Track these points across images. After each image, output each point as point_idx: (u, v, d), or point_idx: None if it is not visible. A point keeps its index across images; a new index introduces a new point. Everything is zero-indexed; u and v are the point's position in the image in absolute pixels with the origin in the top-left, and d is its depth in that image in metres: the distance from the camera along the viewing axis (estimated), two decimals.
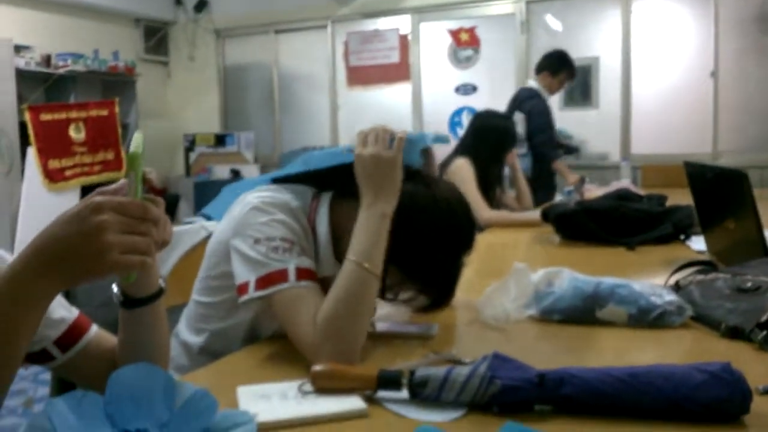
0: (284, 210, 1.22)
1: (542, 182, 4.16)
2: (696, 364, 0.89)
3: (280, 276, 1.13)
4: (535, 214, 2.86)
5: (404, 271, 1.21)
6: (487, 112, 3.42)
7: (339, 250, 1.25)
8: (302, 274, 1.14)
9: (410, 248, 1.20)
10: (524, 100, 4.41)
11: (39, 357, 1.00)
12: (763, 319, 1.18)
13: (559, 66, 4.48)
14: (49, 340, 0.99)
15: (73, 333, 1.01)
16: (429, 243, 1.21)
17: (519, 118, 4.24)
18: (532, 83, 4.60)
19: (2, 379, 0.75)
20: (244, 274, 1.16)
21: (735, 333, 1.21)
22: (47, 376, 1.07)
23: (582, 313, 1.35)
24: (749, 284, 1.30)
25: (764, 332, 1.16)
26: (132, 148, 0.83)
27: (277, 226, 1.18)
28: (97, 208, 0.75)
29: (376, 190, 1.15)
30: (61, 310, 1.00)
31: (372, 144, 1.17)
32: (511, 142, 3.33)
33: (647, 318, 1.30)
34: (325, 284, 1.17)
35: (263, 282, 1.14)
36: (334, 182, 1.31)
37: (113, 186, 0.82)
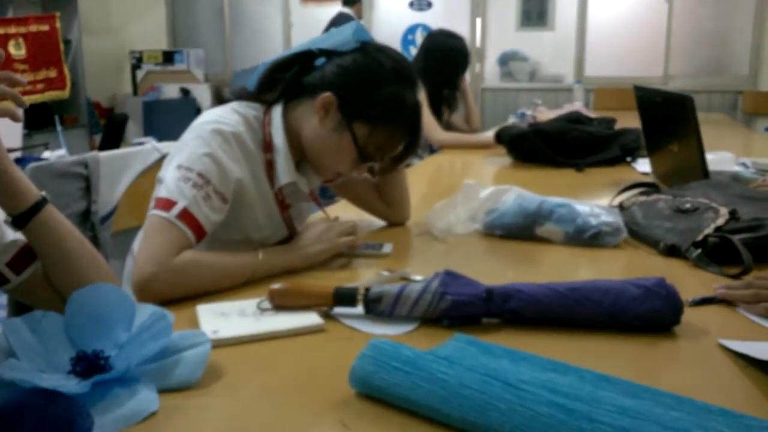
0: (228, 141, 1.22)
1: None
2: (632, 279, 0.95)
3: (166, 204, 1.14)
4: (488, 135, 2.90)
5: (368, 119, 1.25)
6: (440, 31, 3.36)
7: (297, 157, 1.29)
8: (185, 216, 1.14)
9: (364, 95, 1.25)
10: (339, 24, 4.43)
11: None
12: (699, 238, 1.25)
13: None
14: (1, 263, 0.99)
15: (26, 255, 1.00)
16: (377, 81, 1.26)
17: None
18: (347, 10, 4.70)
19: None
20: (155, 190, 1.20)
21: (672, 251, 1.28)
22: (3, 299, 1.07)
23: (522, 229, 1.41)
24: (688, 205, 1.36)
25: (699, 250, 1.23)
26: None
27: (204, 161, 1.18)
28: None
29: (310, 259, 1.25)
30: (12, 234, 1.00)
31: (324, 241, 1.26)
32: (465, 64, 3.31)
33: (582, 237, 1.36)
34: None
35: (155, 202, 1.17)
36: (274, 91, 1.32)
37: None
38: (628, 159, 2.43)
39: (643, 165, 2.28)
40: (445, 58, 3.19)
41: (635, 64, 6.04)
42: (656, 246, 1.32)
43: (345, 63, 1.27)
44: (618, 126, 2.71)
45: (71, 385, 0.71)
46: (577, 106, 4.03)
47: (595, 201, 1.51)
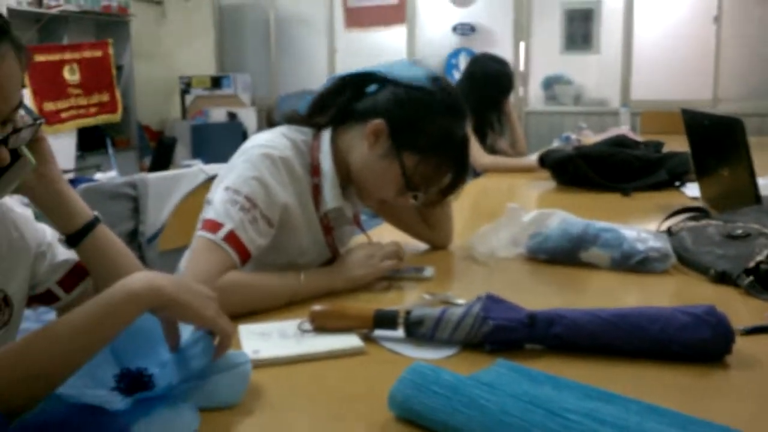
0: (276, 165, 1.23)
1: None
2: (681, 307, 0.92)
3: (213, 226, 1.16)
4: (532, 159, 2.87)
5: (417, 150, 1.24)
6: (484, 55, 3.37)
7: (343, 182, 1.30)
8: (231, 239, 1.15)
9: (415, 125, 1.25)
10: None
11: (44, 298, 1.03)
12: (751, 264, 1.21)
13: None
14: (52, 281, 1.01)
15: (77, 274, 1.03)
16: (429, 113, 1.25)
17: None
18: None
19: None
20: (203, 211, 1.23)
21: (723, 278, 1.24)
22: (51, 316, 1.10)
23: (567, 254, 1.38)
24: (739, 231, 1.32)
25: (751, 278, 1.19)
26: None
27: (252, 184, 1.20)
28: None
29: (352, 282, 1.24)
30: (64, 253, 1.02)
31: (368, 266, 1.26)
32: (509, 88, 3.30)
33: (629, 262, 1.33)
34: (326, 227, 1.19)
35: (203, 223, 1.18)
36: (326, 116, 1.33)
37: None
38: (677, 183, 2.38)
39: (692, 189, 2.22)
40: (489, 81, 3.19)
41: (683, 86, 5.93)
42: (706, 273, 1.28)
43: (398, 92, 1.27)
44: (666, 150, 2.65)
45: (115, 401, 0.73)
46: (623, 129, 3.98)
47: (642, 226, 1.48)
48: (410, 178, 1.25)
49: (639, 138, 3.07)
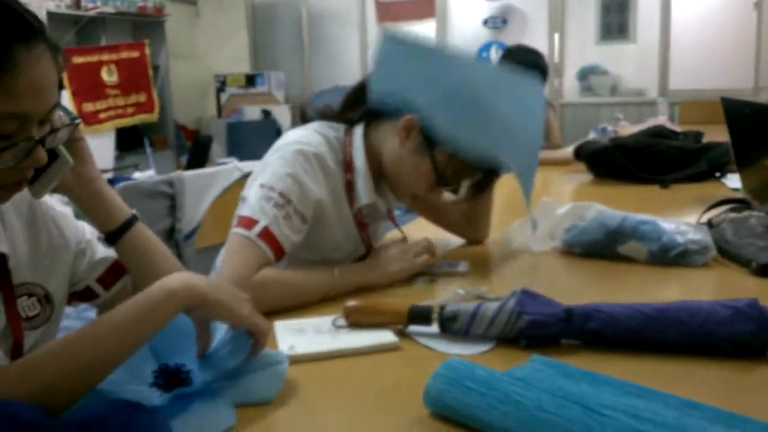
0: (310, 162, 1.24)
1: None
2: (722, 300, 0.90)
3: (248, 222, 1.17)
4: (567, 151, 2.83)
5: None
6: (519, 47, 3.32)
7: (378, 177, 1.30)
8: (266, 235, 1.16)
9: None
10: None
11: (84, 295, 1.05)
12: None
13: None
14: (92, 279, 1.03)
15: (115, 271, 1.05)
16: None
17: None
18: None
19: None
20: (238, 208, 1.23)
21: (765, 271, 1.21)
22: (92, 313, 1.12)
23: (603, 247, 1.36)
24: None
25: None
26: None
27: (286, 181, 1.20)
28: None
29: (386, 278, 1.25)
30: (103, 251, 1.04)
31: (402, 261, 1.26)
32: (543, 80, 3.25)
33: (668, 255, 1.30)
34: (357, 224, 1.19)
35: (238, 220, 1.19)
36: (359, 111, 1.33)
37: None
38: (717, 174, 2.32)
39: (733, 180, 2.17)
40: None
41: (723, 75, 5.80)
42: (748, 265, 1.25)
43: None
44: (705, 140, 2.60)
45: (153, 397, 0.74)
46: (661, 120, 3.90)
47: (681, 218, 1.45)
48: (442, 174, 1.25)
49: (677, 128, 3.01)
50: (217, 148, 6.63)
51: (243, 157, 4.84)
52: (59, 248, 0.97)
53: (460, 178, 1.28)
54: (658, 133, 2.63)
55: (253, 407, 0.78)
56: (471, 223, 1.54)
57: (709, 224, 1.45)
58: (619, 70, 6.26)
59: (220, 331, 0.85)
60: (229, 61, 7.61)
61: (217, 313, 0.81)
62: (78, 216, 1.03)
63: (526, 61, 3.19)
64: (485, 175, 1.31)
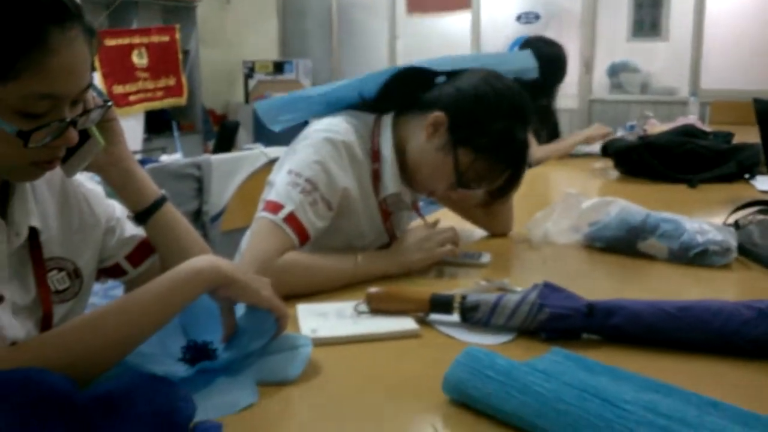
0: (338, 149, 1.24)
1: None
2: (745, 301, 0.90)
3: (274, 207, 1.18)
4: (580, 134, 2.85)
5: (474, 147, 1.23)
6: (537, 38, 3.24)
7: (405, 167, 1.30)
8: (291, 220, 1.17)
9: (476, 122, 1.24)
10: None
11: (112, 271, 1.07)
12: None
13: None
14: (120, 256, 1.05)
15: (143, 249, 1.07)
16: (492, 112, 1.23)
17: None
18: None
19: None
20: (265, 192, 1.25)
21: None
22: (119, 291, 1.15)
23: (624, 243, 1.36)
24: None
25: None
26: None
27: (314, 168, 1.21)
28: None
29: (408, 266, 1.25)
30: (132, 229, 1.06)
31: (424, 250, 1.26)
32: (562, 73, 3.18)
33: (687, 255, 1.29)
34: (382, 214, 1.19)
35: (264, 204, 1.21)
36: (391, 102, 1.33)
37: None
38: (746, 176, 2.29)
39: (763, 182, 2.15)
40: (541, 66, 3.10)
41: (756, 75, 5.68)
42: None
43: (464, 87, 1.26)
44: (736, 141, 2.56)
45: (179, 371, 0.75)
46: (691, 119, 3.85)
47: (708, 219, 1.43)
48: (463, 175, 1.24)
49: (708, 128, 2.97)
50: (243, 133, 6.67)
51: (269, 143, 4.85)
52: (89, 225, 0.99)
53: (480, 181, 1.27)
54: (688, 132, 2.60)
55: (275, 386, 0.79)
56: (493, 217, 1.54)
57: (736, 225, 1.44)
58: (650, 67, 6.17)
59: (248, 310, 0.86)
60: (258, 47, 7.64)
61: (240, 293, 0.83)
62: (109, 195, 1.05)
63: (545, 52, 3.13)
64: (505, 183, 1.30)
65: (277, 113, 1.38)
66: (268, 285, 0.87)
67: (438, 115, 1.24)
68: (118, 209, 1.05)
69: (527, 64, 1.36)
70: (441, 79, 1.32)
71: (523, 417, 0.68)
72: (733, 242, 1.29)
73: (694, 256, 1.29)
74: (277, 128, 1.39)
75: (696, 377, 0.82)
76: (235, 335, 0.85)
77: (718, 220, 1.49)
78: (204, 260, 0.82)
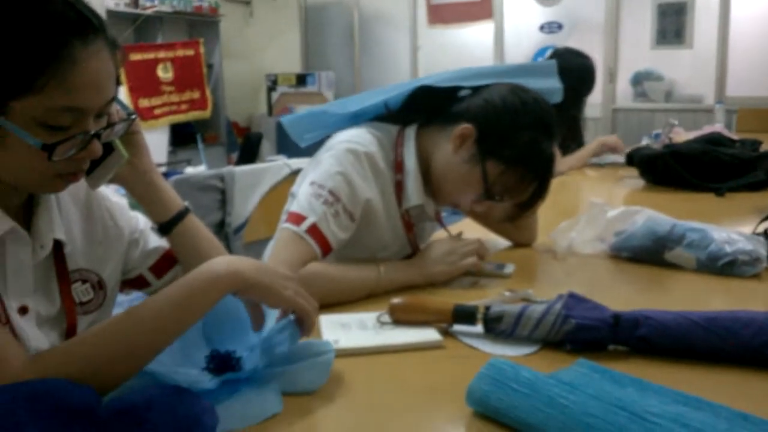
0: (360, 161, 1.24)
1: None
2: None
3: (297, 218, 1.18)
4: (598, 139, 2.86)
5: (502, 159, 1.23)
6: (566, 50, 3.24)
7: (427, 179, 1.30)
8: (314, 232, 1.17)
9: (504, 134, 1.23)
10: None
11: (136, 283, 1.07)
12: None
13: None
14: (144, 267, 1.06)
15: (167, 260, 1.07)
16: (520, 124, 1.23)
17: None
18: None
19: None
20: (288, 204, 1.25)
21: None
22: None
23: (651, 253, 1.33)
24: None
25: None
26: None
27: (336, 179, 1.21)
28: None
29: (431, 278, 1.24)
30: (156, 240, 1.07)
31: (448, 263, 1.25)
32: (591, 84, 3.17)
33: (715, 265, 1.27)
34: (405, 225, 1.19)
35: (287, 216, 1.21)
36: (416, 114, 1.33)
37: None
38: None
39: None
40: (570, 76, 3.08)
41: None
42: None
43: (492, 99, 1.26)
44: (763, 149, 2.52)
45: (203, 381, 0.75)
46: (717, 127, 3.80)
47: (736, 228, 1.41)
48: (490, 187, 1.24)
49: (734, 136, 2.92)
50: (267, 145, 6.72)
51: (292, 154, 4.88)
52: (113, 237, 1.00)
53: (507, 194, 1.26)
54: (714, 140, 2.56)
55: (298, 397, 0.79)
56: (518, 228, 1.52)
57: (766, 235, 1.41)
58: (674, 75, 6.11)
59: (271, 319, 0.86)
60: (281, 60, 7.70)
61: (260, 296, 0.82)
62: (133, 206, 1.06)
63: (574, 63, 3.12)
64: (532, 195, 1.29)
65: (303, 129, 1.39)
66: (292, 282, 0.85)
67: (466, 127, 1.24)
68: (141, 221, 1.06)
69: (551, 84, 1.35)
70: (465, 92, 1.31)
71: (548, 430, 0.67)
72: (762, 252, 1.27)
73: (723, 266, 1.26)
74: (303, 144, 1.40)
75: (725, 390, 0.81)
76: (260, 342, 0.84)
77: (747, 229, 1.47)
78: (222, 264, 0.80)
